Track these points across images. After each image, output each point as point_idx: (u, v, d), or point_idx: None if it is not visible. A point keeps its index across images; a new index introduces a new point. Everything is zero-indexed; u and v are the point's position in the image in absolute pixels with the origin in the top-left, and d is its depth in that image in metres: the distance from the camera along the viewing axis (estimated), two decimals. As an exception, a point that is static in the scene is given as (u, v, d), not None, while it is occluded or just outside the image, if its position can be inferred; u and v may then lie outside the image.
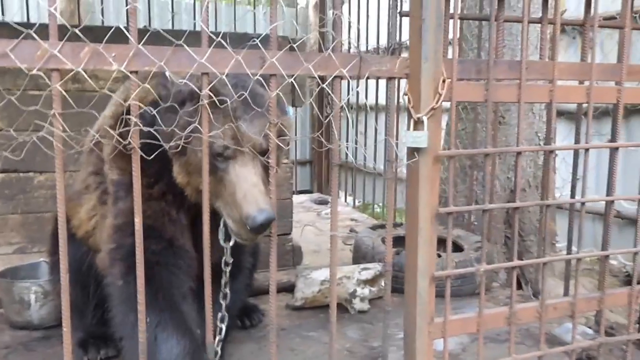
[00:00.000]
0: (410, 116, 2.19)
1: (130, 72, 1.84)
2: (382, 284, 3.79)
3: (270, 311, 2.18)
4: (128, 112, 1.91)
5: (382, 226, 4.85)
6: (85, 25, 2.19)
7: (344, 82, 2.14)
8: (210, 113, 2.03)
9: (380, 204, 7.37)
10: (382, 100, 7.13)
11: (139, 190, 1.94)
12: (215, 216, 2.26)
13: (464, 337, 3.24)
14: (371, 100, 7.53)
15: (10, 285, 3.44)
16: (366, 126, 7.33)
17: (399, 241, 3.05)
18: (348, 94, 7.43)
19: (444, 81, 2.17)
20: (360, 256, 4.24)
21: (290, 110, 2.52)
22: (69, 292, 3.03)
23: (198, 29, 1.99)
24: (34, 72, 1.73)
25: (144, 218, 2.02)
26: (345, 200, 8.10)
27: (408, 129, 2.20)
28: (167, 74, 2.05)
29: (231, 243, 2.45)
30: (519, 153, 2.39)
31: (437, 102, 2.16)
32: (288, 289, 3.94)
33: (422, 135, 2.15)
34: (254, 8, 8.89)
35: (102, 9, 7.53)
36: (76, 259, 2.82)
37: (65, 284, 1.91)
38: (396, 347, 3.00)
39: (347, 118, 7.82)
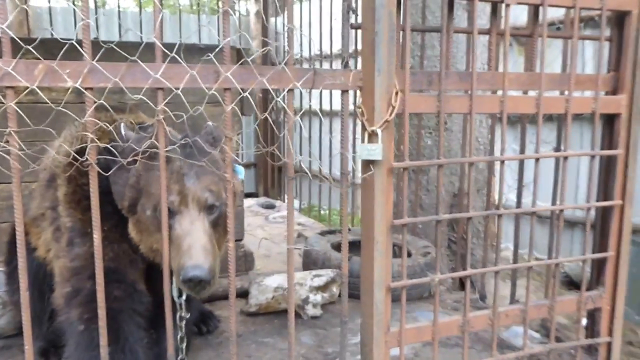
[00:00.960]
0: (364, 129, 2.21)
1: (85, 89, 1.80)
2: (334, 289, 3.82)
3: (230, 321, 2.17)
4: (80, 153, 1.91)
5: (332, 232, 4.88)
6: (36, 38, 2.13)
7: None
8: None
9: (325, 207, 7.40)
10: (326, 106, 7.16)
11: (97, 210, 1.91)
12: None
13: (415, 343, 3.28)
14: (317, 105, 7.55)
15: (-33, 296, 3.33)
16: (310, 131, 7.34)
17: (349, 247, 3.06)
18: (300, 100, 7.51)
19: (396, 93, 2.20)
20: (310, 262, 4.25)
21: (241, 170, 2.56)
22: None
23: (145, 40, 1.97)
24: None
25: (105, 261, 2.01)
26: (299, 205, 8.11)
27: (362, 141, 2.21)
28: (122, 128, 2.10)
29: (184, 297, 2.49)
30: (471, 164, 2.43)
31: (390, 115, 2.18)
32: (241, 294, 3.90)
33: (376, 148, 2.17)
34: (199, 16, 8.82)
35: (51, 20, 7.36)
36: (33, 268, 2.77)
37: (26, 303, 1.85)
38: (350, 353, 3.01)
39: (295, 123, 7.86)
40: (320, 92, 7.04)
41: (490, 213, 2.74)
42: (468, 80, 2.38)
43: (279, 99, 2.10)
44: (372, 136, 2.18)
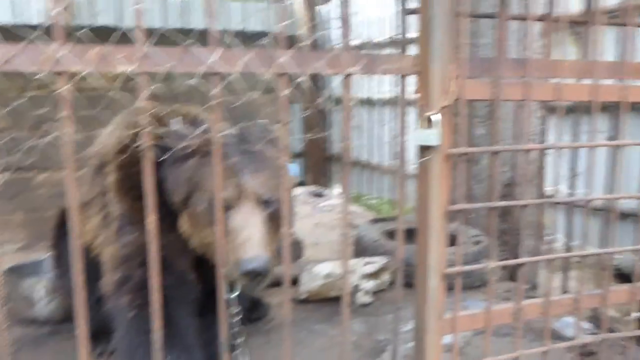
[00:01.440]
0: (420, 114, 2.21)
1: (139, 74, 1.83)
2: (385, 277, 3.84)
3: (284, 307, 2.20)
4: (132, 140, 1.92)
5: (382, 220, 4.89)
6: (88, 26, 2.17)
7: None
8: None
9: (374, 196, 7.39)
10: (378, 95, 7.14)
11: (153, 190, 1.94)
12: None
13: (469, 330, 3.27)
14: (364, 94, 7.54)
15: (17, 281, 3.45)
16: (363, 120, 7.33)
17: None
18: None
19: (453, 79, 2.19)
20: (361, 250, 4.27)
21: (294, 167, 2.57)
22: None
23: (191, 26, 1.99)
24: (41, 75, 1.72)
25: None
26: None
27: (418, 127, 2.22)
28: (174, 123, 2.17)
29: (233, 295, 2.54)
30: (526, 151, 2.41)
31: (447, 101, 2.18)
32: (291, 282, 3.96)
33: (433, 133, 2.17)
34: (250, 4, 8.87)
35: (91, 7, 7.47)
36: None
37: (80, 285, 1.90)
38: (401, 340, 3.03)
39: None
40: (367, 81, 7.03)
41: (544, 201, 2.72)
42: (523, 66, 2.35)
43: (328, 87, 2.11)
44: (429, 122, 2.18)
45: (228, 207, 2.28)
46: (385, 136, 6.73)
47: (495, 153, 2.37)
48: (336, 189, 8.28)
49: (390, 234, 4.39)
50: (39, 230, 3.88)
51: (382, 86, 6.88)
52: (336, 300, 3.76)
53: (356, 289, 3.70)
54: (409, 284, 2.45)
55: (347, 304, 2.29)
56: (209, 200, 2.27)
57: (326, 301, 3.77)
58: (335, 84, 7.92)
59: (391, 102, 6.82)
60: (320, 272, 3.74)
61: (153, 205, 1.94)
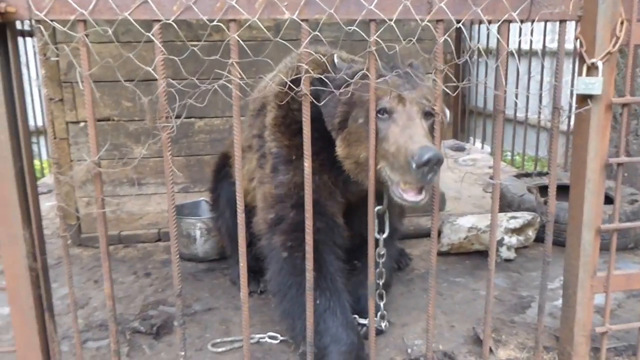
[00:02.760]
0: (582, 61, 2.09)
1: (302, 20, 1.88)
2: (529, 233, 3.72)
3: (431, 256, 2.20)
4: (294, 83, 1.97)
5: (528, 175, 4.72)
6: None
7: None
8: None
9: (518, 152, 7.12)
10: (524, 45, 6.80)
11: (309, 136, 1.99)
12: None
13: (618, 293, 3.12)
14: (514, 44, 7.19)
15: (179, 220, 3.70)
16: (507, 72, 7.02)
17: (546, 191, 2.95)
18: (487, 38, 7.21)
19: (622, 23, 2.04)
20: (505, 204, 4.15)
21: (447, 113, 2.48)
22: (229, 227, 3.23)
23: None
24: (214, 23, 1.82)
25: None
26: (482, 148, 7.91)
27: (579, 74, 2.10)
28: (335, 58, 2.15)
29: (384, 235, 2.54)
30: (701, 101, 2.22)
31: (614, 46, 2.04)
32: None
33: (595, 82, 2.05)
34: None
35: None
36: (233, 198, 2.95)
37: (242, 223, 2.01)
38: (547, 297, 2.94)
39: (486, 64, 7.60)
40: (513, 31, 6.71)
41: None
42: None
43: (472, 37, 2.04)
44: (592, 69, 2.05)
45: (390, 112, 2.25)
46: (531, 89, 6.42)
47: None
48: (477, 143, 8.07)
49: (537, 190, 4.22)
50: (197, 173, 4.17)
51: (527, 36, 6.53)
52: (478, 254, 3.72)
53: (499, 243, 3.62)
54: (555, 242, 2.36)
55: (494, 257, 2.26)
56: (367, 112, 2.18)
57: (467, 254, 3.73)
58: (481, 34, 7.64)
59: (538, 53, 6.49)
60: (463, 224, 3.69)
61: (309, 150, 2.00)
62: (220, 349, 2.69)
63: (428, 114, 2.27)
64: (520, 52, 6.44)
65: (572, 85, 2.19)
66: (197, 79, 1.88)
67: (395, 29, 1.91)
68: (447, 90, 2.06)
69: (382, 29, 1.98)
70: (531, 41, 6.55)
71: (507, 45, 2.05)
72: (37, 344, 2.04)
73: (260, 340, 2.75)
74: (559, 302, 2.65)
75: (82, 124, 3.97)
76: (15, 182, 1.89)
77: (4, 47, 1.84)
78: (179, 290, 2.08)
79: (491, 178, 5.69)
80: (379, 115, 2.23)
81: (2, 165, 1.87)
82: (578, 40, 2.10)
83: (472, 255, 3.72)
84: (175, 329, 2.13)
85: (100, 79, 3.70)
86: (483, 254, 3.66)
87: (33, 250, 1.99)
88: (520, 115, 6.88)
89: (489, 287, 2.28)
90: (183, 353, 2.13)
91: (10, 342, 2.05)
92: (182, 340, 2.12)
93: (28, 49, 6.87)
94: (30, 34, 6.20)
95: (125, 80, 2.05)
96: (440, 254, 3.73)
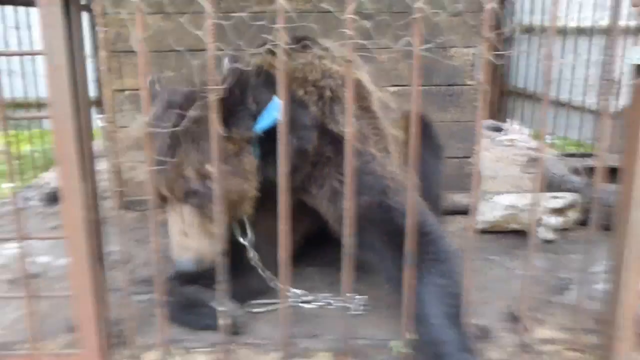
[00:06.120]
0: (639, 31, 2.00)
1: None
2: (570, 214, 3.63)
3: (469, 233, 2.15)
4: None
5: (571, 155, 4.62)
6: None
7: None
8: None
9: (559, 135, 6.96)
10: (570, 23, 6.61)
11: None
12: None
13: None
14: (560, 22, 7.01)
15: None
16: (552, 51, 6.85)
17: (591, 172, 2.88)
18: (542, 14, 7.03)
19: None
20: (545, 185, 4.05)
21: None
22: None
23: None
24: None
25: None
26: (521, 129, 7.74)
27: (636, 45, 2.01)
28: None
29: None
30: None
31: (674, 16, 1.94)
32: (467, 211, 3.87)
33: (653, 52, 1.96)
34: None
35: None
36: None
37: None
38: (587, 280, 2.87)
39: (530, 40, 7.42)
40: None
41: None
42: None
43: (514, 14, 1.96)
44: (649, 40, 1.97)
45: None
46: (577, 70, 6.26)
47: None
48: (515, 124, 7.91)
49: (579, 171, 4.11)
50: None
51: (572, 14, 6.36)
52: (514, 233, 3.64)
53: (539, 223, 3.53)
54: (600, 225, 2.28)
55: (534, 235, 2.20)
56: None
57: (503, 233, 3.65)
58: (525, 10, 7.45)
59: (586, 32, 6.31)
60: (500, 202, 3.61)
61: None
62: (257, 310, 2.72)
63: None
64: (566, 31, 6.28)
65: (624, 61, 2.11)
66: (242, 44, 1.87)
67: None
68: (493, 60, 1.99)
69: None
70: (579, 18, 6.38)
71: (555, 21, 1.97)
72: (90, 290, 2.22)
73: (295, 303, 2.76)
74: (600, 285, 2.59)
75: (127, 92, 4.00)
76: (75, 138, 2.06)
77: (67, 19, 1.98)
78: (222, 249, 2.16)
79: (530, 159, 5.61)
80: None
81: (64, 123, 2.04)
82: (636, 9, 2.01)
83: (508, 234, 3.64)
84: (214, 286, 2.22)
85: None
86: (520, 233, 3.58)
87: (90, 202, 2.18)
88: (563, 97, 6.72)
89: (529, 264, 2.22)
90: (223, 308, 2.22)
91: (66, 288, 2.25)
92: (223, 297, 2.20)
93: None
94: (85, 8, 6.29)
95: (169, 51, 2.11)
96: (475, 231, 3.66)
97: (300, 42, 2.04)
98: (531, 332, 2.43)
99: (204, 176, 2.30)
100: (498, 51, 2.02)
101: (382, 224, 2.51)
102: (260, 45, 2.05)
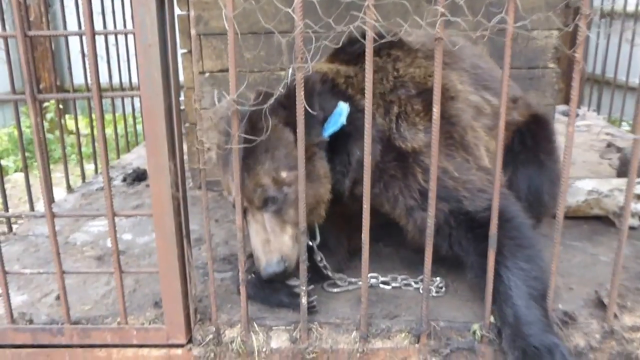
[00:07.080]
0: None
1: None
2: (655, 201, 3.49)
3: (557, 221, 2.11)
4: None
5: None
6: None
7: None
8: None
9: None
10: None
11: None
12: None
13: None
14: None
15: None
16: (621, 36, 6.57)
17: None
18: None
19: None
20: (627, 171, 3.91)
21: None
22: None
23: None
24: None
25: None
26: (599, 114, 7.49)
27: None
28: None
29: None
30: None
31: None
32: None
33: None
34: None
35: None
36: None
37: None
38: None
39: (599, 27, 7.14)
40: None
41: None
42: None
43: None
44: None
45: None
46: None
47: None
48: (591, 111, 7.65)
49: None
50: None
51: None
52: (596, 219, 3.53)
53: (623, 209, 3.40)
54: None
55: (627, 220, 2.14)
56: None
57: (585, 219, 3.54)
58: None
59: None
60: (583, 187, 3.49)
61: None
62: (335, 290, 2.73)
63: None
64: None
65: None
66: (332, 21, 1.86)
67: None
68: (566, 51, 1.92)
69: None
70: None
71: None
72: (176, 267, 2.26)
73: (374, 284, 2.76)
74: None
75: (207, 74, 4.04)
76: (165, 117, 2.08)
77: (161, 2, 2.00)
78: (303, 228, 2.17)
79: (608, 145, 5.42)
80: None
81: (155, 100, 2.06)
82: None
83: (590, 219, 3.53)
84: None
85: (224, 31, 3.77)
86: (602, 219, 3.49)
87: (176, 180, 2.19)
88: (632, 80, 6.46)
89: (620, 248, 2.17)
90: (304, 288, 2.24)
91: (153, 265, 2.35)
92: (304, 277, 2.23)
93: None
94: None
95: (248, 33, 2.10)
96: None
97: (383, 38, 1.97)
98: (620, 319, 2.36)
99: (280, 183, 2.37)
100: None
101: (460, 229, 2.51)
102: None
